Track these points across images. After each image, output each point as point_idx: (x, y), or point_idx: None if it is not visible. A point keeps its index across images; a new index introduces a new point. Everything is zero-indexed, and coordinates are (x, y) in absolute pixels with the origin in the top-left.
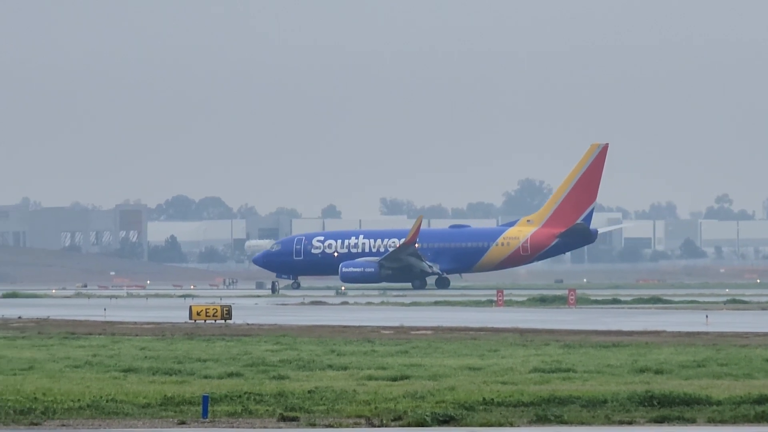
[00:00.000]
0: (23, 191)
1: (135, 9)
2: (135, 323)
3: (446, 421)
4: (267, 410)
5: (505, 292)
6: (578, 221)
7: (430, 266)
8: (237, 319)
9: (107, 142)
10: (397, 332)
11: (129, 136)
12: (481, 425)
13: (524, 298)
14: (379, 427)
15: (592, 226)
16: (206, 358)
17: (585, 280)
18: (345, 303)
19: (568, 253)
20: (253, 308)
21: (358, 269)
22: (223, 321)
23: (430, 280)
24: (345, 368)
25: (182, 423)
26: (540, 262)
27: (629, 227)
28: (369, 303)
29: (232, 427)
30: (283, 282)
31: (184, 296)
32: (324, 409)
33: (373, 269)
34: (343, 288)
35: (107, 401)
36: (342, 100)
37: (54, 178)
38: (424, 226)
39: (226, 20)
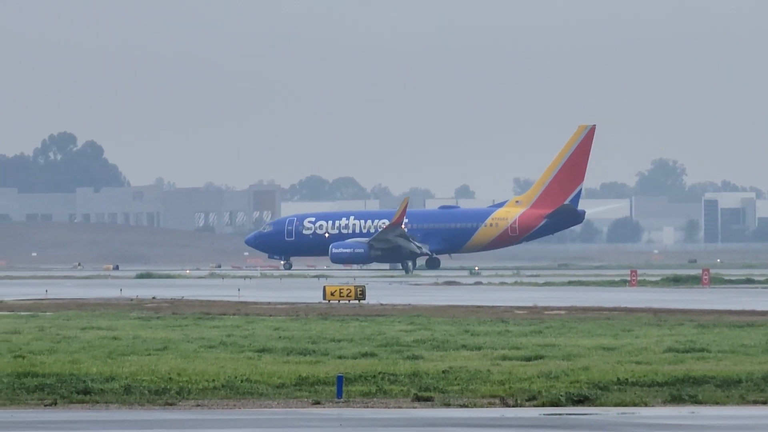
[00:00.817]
0: (158, 172)
1: None
2: (269, 303)
3: (580, 401)
4: (401, 390)
5: (639, 272)
6: (565, 202)
7: (419, 247)
8: (371, 299)
9: (241, 123)
10: (530, 312)
11: (262, 117)
12: (616, 405)
13: (658, 278)
14: (513, 407)
15: (579, 208)
16: (340, 338)
17: (719, 260)
18: (478, 283)
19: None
20: (386, 288)
21: (347, 250)
22: (356, 301)
23: (420, 261)
24: (479, 348)
25: (317, 403)
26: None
27: (762, 206)
28: (502, 283)
29: (367, 407)
30: (299, 262)
31: (318, 276)
32: (458, 389)
33: (362, 250)
34: (476, 268)
35: (242, 381)
36: (477, 79)
37: (188, 159)
38: None
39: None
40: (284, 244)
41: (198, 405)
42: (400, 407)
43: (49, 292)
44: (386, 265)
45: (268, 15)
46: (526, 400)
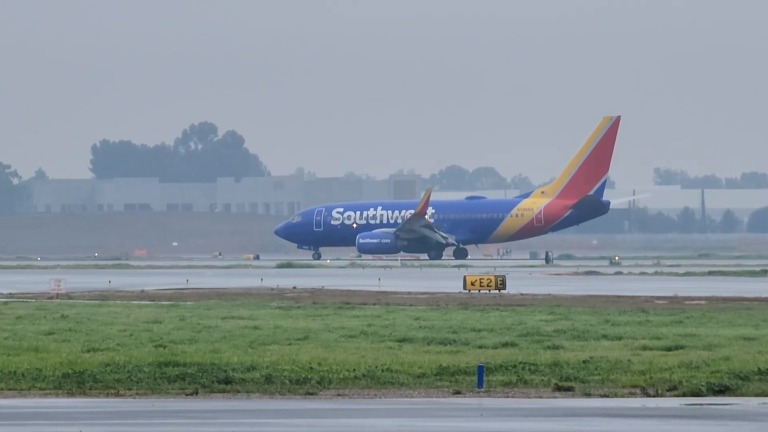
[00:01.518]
0: (298, 162)
1: None
2: (409, 293)
3: (721, 391)
4: (542, 380)
5: None
6: (589, 193)
7: (444, 237)
8: (511, 288)
9: (382, 113)
10: (670, 302)
11: (401, 106)
12: (757, 395)
13: None
14: (654, 397)
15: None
16: (481, 327)
17: None
18: (618, 273)
19: None
20: (526, 278)
21: (374, 240)
22: (497, 291)
23: (448, 251)
24: (619, 338)
25: (457, 393)
26: None
27: None
28: (642, 273)
29: (507, 397)
30: (328, 252)
31: (458, 266)
32: (599, 379)
33: (389, 240)
34: (617, 258)
35: (382, 371)
36: (629, 71)
37: (328, 149)
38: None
39: None
40: (313, 235)
41: (339, 394)
42: (540, 397)
43: (189, 282)
44: (527, 254)
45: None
46: (667, 390)
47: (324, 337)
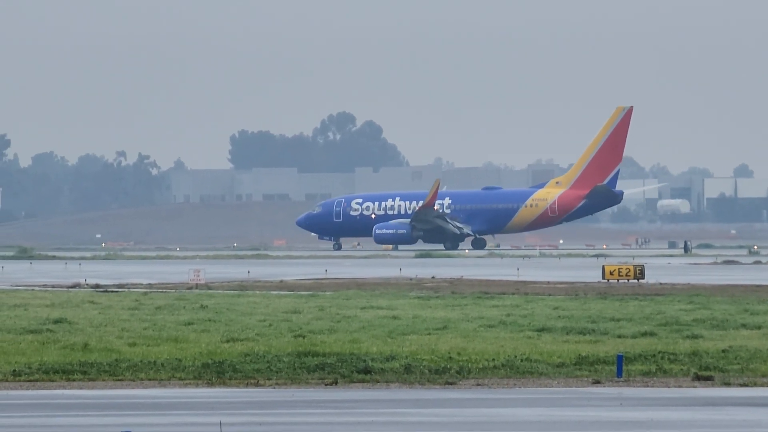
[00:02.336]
0: (436, 152)
1: None
2: (548, 283)
3: None
4: (681, 369)
5: None
6: (599, 183)
7: (459, 228)
8: (650, 278)
9: (519, 102)
10: None
11: (539, 95)
12: None
13: None
14: None
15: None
16: (619, 317)
17: None
18: (758, 262)
19: None
20: (665, 267)
21: (390, 231)
22: (635, 280)
23: (467, 242)
24: (759, 327)
25: (597, 382)
26: None
27: None
28: None
29: (647, 386)
30: (348, 243)
31: (597, 256)
32: (738, 368)
33: (405, 231)
34: (755, 247)
35: (522, 361)
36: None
37: (467, 139)
38: None
39: None
40: (332, 225)
41: (478, 384)
42: (679, 386)
43: (328, 272)
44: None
45: None
46: None
47: (463, 326)
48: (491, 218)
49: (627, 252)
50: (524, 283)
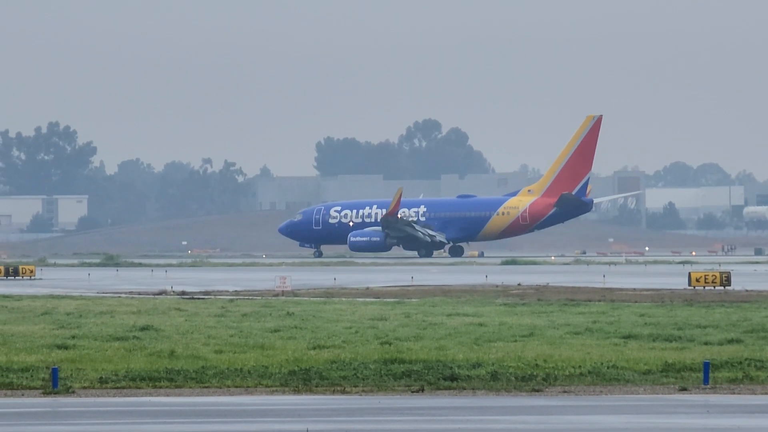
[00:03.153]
0: (522, 158)
1: None
2: (634, 290)
3: None
4: None
5: None
6: (567, 192)
7: (431, 235)
8: (736, 285)
9: (605, 108)
10: None
11: (625, 102)
12: None
13: None
14: None
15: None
16: (706, 324)
17: None
18: None
19: None
20: (751, 274)
21: (364, 238)
22: (722, 287)
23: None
24: None
25: (683, 389)
26: None
27: None
28: None
29: (734, 393)
30: (309, 251)
31: (683, 263)
32: None
33: (378, 238)
34: None
35: (608, 368)
36: None
37: (552, 146)
38: None
39: None
40: (312, 233)
41: (564, 391)
42: (767, 393)
43: (414, 279)
44: (752, 251)
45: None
46: None
47: (549, 333)
48: (465, 226)
49: (713, 259)
50: (610, 290)
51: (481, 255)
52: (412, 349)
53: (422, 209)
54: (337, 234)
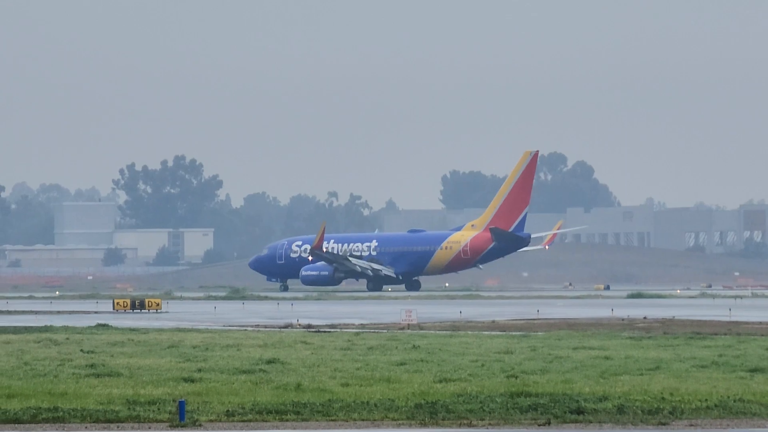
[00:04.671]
0: (648, 192)
1: None
2: (760, 323)
3: None
4: None
5: None
6: (494, 227)
7: (376, 269)
8: None
9: (735, 139)
10: None
11: (748, 132)
12: None
13: None
14: None
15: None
16: None
17: None
18: None
19: None
20: None
21: (314, 272)
22: None
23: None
24: None
25: None
26: None
27: None
28: None
29: None
30: (273, 285)
31: None
32: None
33: (327, 272)
34: None
35: (735, 401)
36: None
37: (678, 179)
38: None
39: None
40: (276, 267)
41: (691, 425)
42: None
43: (540, 312)
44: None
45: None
46: None
47: (675, 367)
48: (413, 261)
49: None
50: (736, 323)
51: (607, 288)
52: (539, 383)
53: (374, 244)
54: (298, 268)
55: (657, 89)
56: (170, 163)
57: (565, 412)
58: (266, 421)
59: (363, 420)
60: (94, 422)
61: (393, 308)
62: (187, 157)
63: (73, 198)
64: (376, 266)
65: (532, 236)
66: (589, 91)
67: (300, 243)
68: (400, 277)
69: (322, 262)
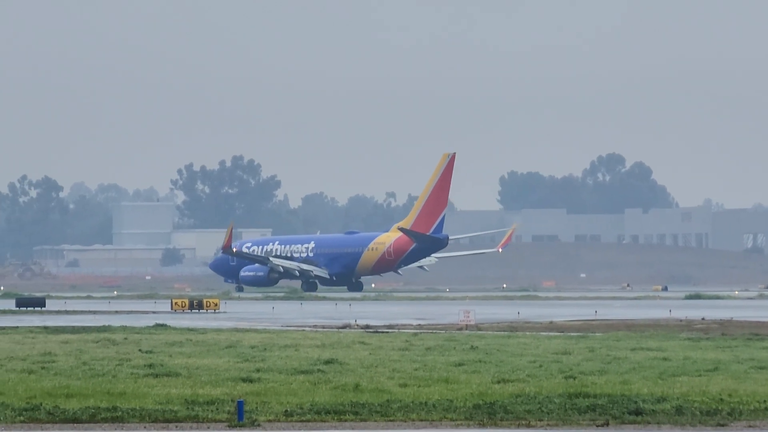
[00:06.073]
0: (706, 193)
1: None
2: None
3: None
4: None
5: None
6: (401, 228)
7: (306, 271)
8: None
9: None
10: None
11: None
12: None
13: None
14: None
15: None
16: None
17: None
18: None
19: None
20: None
21: (251, 273)
22: None
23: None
24: None
25: None
26: None
27: None
28: None
29: None
30: (229, 286)
31: None
32: None
33: (263, 273)
34: None
35: None
36: None
37: (737, 180)
38: None
39: None
40: (229, 268)
41: (750, 426)
42: None
43: (598, 313)
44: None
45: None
46: None
47: (733, 368)
48: (346, 262)
49: None
50: None
51: (665, 289)
52: (597, 383)
53: (311, 245)
54: None
55: (715, 90)
56: (228, 164)
57: (623, 413)
58: (324, 422)
59: (421, 420)
60: (152, 422)
61: (451, 309)
62: (245, 158)
63: (132, 198)
64: (306, 267)
65: (588, 237)
66: (647, 92)
67: (249, 244)
68: (335, 278)
69: (258, 264)
